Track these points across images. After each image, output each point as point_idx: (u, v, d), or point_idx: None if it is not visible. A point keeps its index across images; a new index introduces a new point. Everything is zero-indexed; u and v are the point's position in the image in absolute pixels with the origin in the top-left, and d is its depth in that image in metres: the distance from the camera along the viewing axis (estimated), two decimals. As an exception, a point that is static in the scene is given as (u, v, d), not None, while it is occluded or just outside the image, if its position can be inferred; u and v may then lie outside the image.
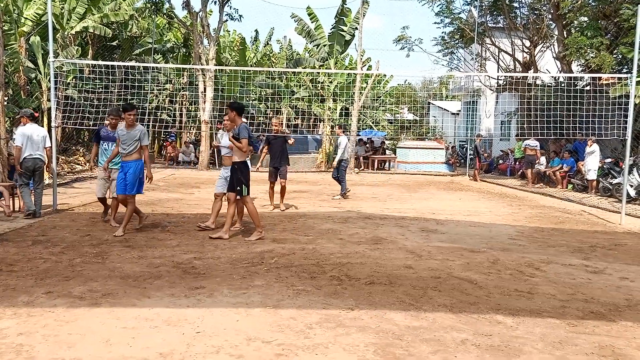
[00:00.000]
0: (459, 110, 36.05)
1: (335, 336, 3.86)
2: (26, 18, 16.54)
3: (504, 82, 21.60)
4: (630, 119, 9.83)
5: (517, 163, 20.21)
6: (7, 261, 5.73)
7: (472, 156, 20.32)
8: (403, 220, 9.47)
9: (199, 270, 5.60)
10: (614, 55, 16.10)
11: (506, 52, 22.29)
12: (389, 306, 4.57)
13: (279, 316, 4.25)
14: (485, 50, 24.23)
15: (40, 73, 16.00)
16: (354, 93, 23.53)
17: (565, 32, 18.20)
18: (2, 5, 12.89)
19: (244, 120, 7.53)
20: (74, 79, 18.67)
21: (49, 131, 9.83)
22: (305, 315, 4.27)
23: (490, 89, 24.87)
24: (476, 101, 29.25)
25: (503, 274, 5.75)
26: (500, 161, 23.48)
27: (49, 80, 10.21)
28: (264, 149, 10.57)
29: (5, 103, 14.44)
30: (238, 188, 7.24)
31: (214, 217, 8.09)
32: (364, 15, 23.11)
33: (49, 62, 9.90)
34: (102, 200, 8.40)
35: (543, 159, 17.09)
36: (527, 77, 18.98)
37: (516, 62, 22.15)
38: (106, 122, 8.54)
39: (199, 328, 3.93)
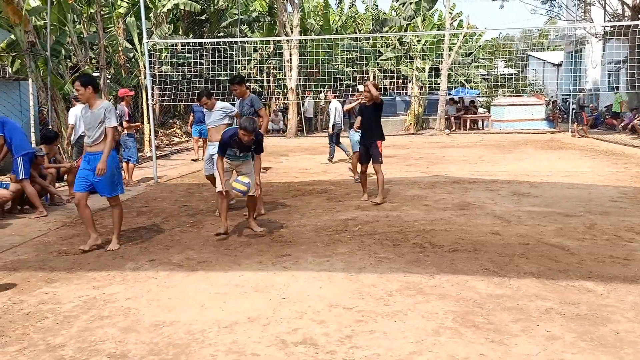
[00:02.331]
0: (561, 62, 33.52)
1: (414, 303, 3.92)
2: (122, 0, 17.56)
3: (612, 29, 19.73)
4: None
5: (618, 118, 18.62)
6: (116, 231, 6.35)
7: (576, 111, 18.94)
8: (494, 183, 9.16)
9: (285, 238, 5.85)
10: None
11: (613, -5, 20.26)
12: (472, 274, 4.53)
13: (360, 283, 4.37)
14: (590, -6, 22.19)
15: (137, 52, 17.00)
16: (443, 51, 22.66)
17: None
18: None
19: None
20: (167, 55, 19.69)
21: (148, 108, 10.57)
22: (386, 283, 4.35)
23: (596, 37, 22.83)
24: (581, 50, 27.04)
25: (599, 240, 5.44)
26: (608, 115, 21.67)
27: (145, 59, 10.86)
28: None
29: (108, 82, 15.65)
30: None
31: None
32: (452, -32, 21.98)
33: (144, 43, 10.53)
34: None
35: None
36: (637, 24, 17.15)
37: (625, 6, 20.07)
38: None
39: (285, 294, 4.15)
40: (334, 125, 12.26)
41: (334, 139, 12.45)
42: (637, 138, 15.76)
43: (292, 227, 6.33)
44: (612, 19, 20.89)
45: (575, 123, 18.52)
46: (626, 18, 19.90)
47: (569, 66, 28.10)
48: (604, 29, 20.76)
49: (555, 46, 36.45)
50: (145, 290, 4.34)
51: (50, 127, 10.54)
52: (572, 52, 28.52)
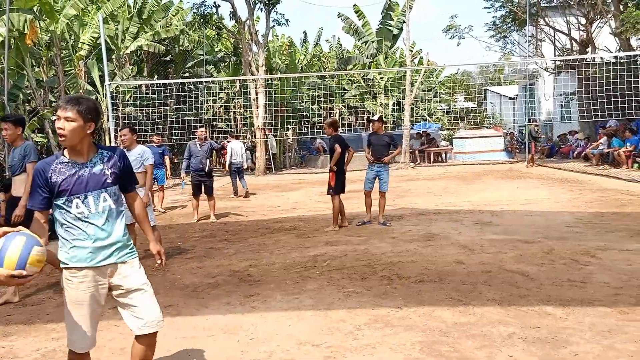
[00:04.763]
0: (517, 95, 34.93)
1: (382, 336, 3.96)
2: (83, 42, 17.50)
3: (561, 63, 20.80)
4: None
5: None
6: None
7: (528, 141, 19.73)
8: (457, 214, 9.38)
9: (254, 277, 5.84)
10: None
11: (561, 32, 21.41)
12: (438, 303, 4.61)
13: (329, 319, 4.38)
14: (540, 32, 23.38)
15: (99, 94, 16.92)
16: (405, 87, 23.38)
17: (621, 6, 17.29)
18: (58, 33, 13.77)
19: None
20: (131, 97, 19.64)
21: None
22: (355, 317, 4.39)
23: (547, 71, 23.98)
24: (534, 84, 28.27)
25: (556, 264, 5.63)
26: (562, 145, 22.63)
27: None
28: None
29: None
30: None
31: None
32: (410, 8, 22.89)
33: (106, 85, 10.53)
34: None
35: (605, 139, 16.37)
36: (584, 58, 18.18)
37: (573, 41, 21.24)
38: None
39: (253, 335, 4.13)
40: (230, 163, 13.63)
41: (234, 175, 13.81)
42: (590, 165, 16.45)
43: (261, 266, 6.32)
44: (561, 54, 22.02)
45: (530, 153, 19.27)
46: (575, 52, 21.03)
47: (524, 99, 29.27)
48: (555, 63, 21.83)
49: (511, 80, 38.00)
50: (107, 339, 4.22)
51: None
52: (526, 85, 29.77)
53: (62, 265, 2.86)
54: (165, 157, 12.27)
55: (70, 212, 2.80)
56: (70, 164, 2.82)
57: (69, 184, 2.79)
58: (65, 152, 2.87)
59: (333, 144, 8.38)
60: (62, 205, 2.80)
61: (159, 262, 3.15)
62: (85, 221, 2.81)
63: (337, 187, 8.43)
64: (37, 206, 2.81)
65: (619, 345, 3.56)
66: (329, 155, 8.90)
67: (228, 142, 14.28)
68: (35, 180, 2.80)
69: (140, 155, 6.56)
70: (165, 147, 13.67)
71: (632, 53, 15.44)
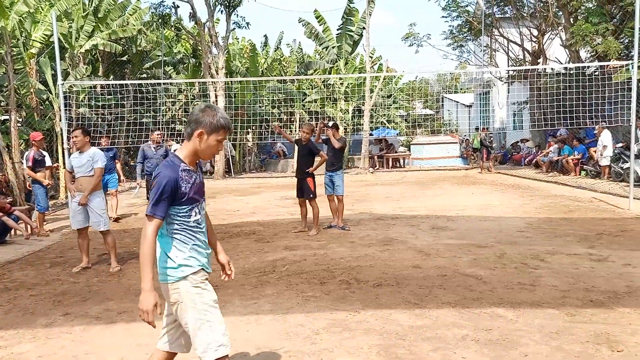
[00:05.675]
0: (472, 103, 35.89)
1: (340, 340, 4.00)
2: (34, 40, 16.84)
3: (514, 73, 21.53)
4: (633, 105, 9.81)
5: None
6: (27, 285, 5.96)
7: (480, 149, 20.31)
8: (414, 219, 9.55)
9: (212, 282, 5.64)
10: (620, 41, 15.93)
11: (515, 43, 22.16)
12: (395, 307, 4.69)
13: (287, 323, 4.39)
14: (494, 42, 24.12)
15: (52, 93, 16.29)
16: (365, 93, 23.63)
17: (571, 19, 18.06)
18: (8, 30, 13.23)
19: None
20: (85, 97, 19.05)
21: (63, 153, 10.18)
22: (313, 321, 4.41)
23: (501, 80, 24.75)
24: (488, 92, 29.13)
25: (508, 268, 5.83)
26: (514, 152, 23.40)
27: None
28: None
29: (19, 125, 14.86)
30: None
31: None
32: (370, 15, 23.17)
33: (58, 85, 10.13)
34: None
35: (555, 147, 17.03)
36: (535, 68, 18.88)
37: (525, 52, 22.01)
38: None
39: (210, 339, 4.09)
40: None
41: None
42: (540, 172, 17.08)
43: (219, 271, 6.22)
44: (514, 64, 22.79)
45: (483, 161, 19.84)
46: (527, 63, 21.81)
47: (479, 107, 30.13)
48: (508, 73, 22.57)
49: (467, 88, 39.01)
50: (58, 347, 4.10)
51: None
52: (481, 94, 30.64)
53: (188, 272, 2.77)
54: (117, 161, 11.71)
55: (190, 220, 2.75)
56: (190, 172, 2.75)
57: (194, 192, 2.75)
58: (184, 158, 2.75)
59: (313, 149, 8.57)
60: (184, 214, 2.73)
61: (228, 273, 3.19)
62: (199, 228, 2.82)
63: (315, 191, 8.64)
64: (160, 215, 2.64)
65: (566, 346, 3.72)
66: (296, 160, 8.95)
67: (170, 145, 14.17)
68: (166, 187, 2.63)
69: (91, 158, 6.52)
70: (115, 150, 13.25)
71: (581, 64, 16.11)
